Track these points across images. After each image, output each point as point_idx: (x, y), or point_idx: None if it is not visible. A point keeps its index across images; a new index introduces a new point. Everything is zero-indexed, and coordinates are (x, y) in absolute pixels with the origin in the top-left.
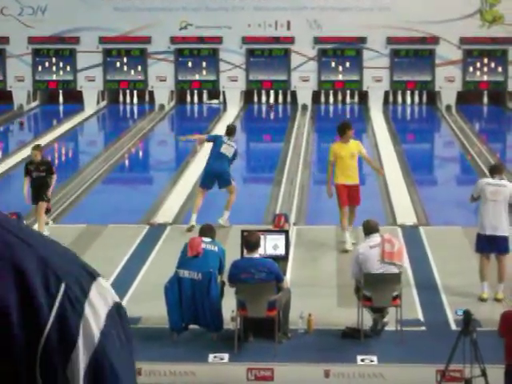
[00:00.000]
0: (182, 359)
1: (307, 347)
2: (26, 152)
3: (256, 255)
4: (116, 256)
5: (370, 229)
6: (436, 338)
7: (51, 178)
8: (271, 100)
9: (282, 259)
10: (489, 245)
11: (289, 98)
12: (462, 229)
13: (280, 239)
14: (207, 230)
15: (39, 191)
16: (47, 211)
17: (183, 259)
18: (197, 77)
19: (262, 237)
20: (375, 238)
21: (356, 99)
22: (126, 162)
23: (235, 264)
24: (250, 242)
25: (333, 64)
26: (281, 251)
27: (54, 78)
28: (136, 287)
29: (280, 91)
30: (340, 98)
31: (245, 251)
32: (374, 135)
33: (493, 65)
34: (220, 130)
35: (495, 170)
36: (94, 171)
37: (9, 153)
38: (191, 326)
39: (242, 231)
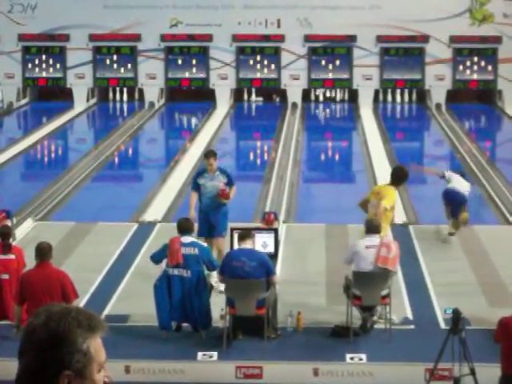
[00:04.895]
0: (171, 357)
1: (296, 345)
2: (16, 149)
3: (248, 246)
4: (105, 254)
5: (370, 228)
6: (425, 336)
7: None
8: (259, 98)
9: (272, 257)
10: None
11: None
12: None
13: (269, 237)
14: (184, 227)
15: None
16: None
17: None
18: (187, 74)
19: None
20: (374, 239)
21: (346, 97)
22: (116, 159)
23: (227, 254)
24: (241, 233)
25: (323, 62)
26: (270, 249)
27: (44, 75)
28: (125, 285)
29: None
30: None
31: (237, 243)
32: (363, 133)
33: (483, 63)
34: (210, 128)
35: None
36: (84, 169)
37: None
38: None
39: (232, 229)
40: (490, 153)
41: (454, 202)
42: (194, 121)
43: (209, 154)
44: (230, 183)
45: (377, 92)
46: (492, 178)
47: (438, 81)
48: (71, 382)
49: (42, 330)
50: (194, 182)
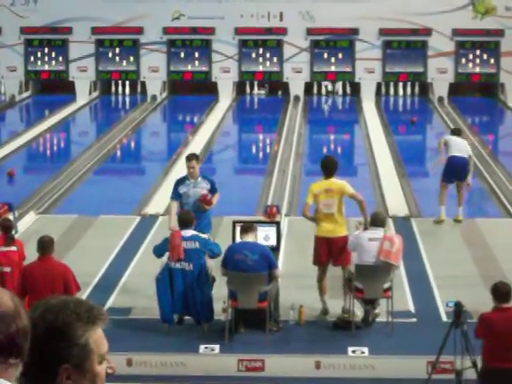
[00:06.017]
0: (173, 350)
1: (298, 339)
2: (18, 142)
3: (250, 239)
4: (107, 247)
5: (374, 221)
6: (427, 329)
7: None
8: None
9: (274, 250)
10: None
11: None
12: (454, 220)
13: (271, 230)
14: (185, 221)
15: None
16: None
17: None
18: (189, 67)
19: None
20: (377, 232)
21: (343, 90)
22: (118, 152)
23: (229, 247)
24: (243, 226)
25: (325, 55)
26: (272, 242)
27: (47, 68)
28: (127, 278)
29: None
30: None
31: (239, 236)
32: (366, 126)
33: (485, 56)
34: (212, 121)
35: (458, 132)
36: (86, 162)
37: (1, 143)
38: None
39: (234, 222)
40: (492, 146)
41: (457, 168)
42: (196, 114)
43: (191, 156)
44: (213, 190)
45: (379, 85)
46: (494, 170)
47: (440, 74)
48: (70, 375)
49: (38, 323)
50: (175, 192)
